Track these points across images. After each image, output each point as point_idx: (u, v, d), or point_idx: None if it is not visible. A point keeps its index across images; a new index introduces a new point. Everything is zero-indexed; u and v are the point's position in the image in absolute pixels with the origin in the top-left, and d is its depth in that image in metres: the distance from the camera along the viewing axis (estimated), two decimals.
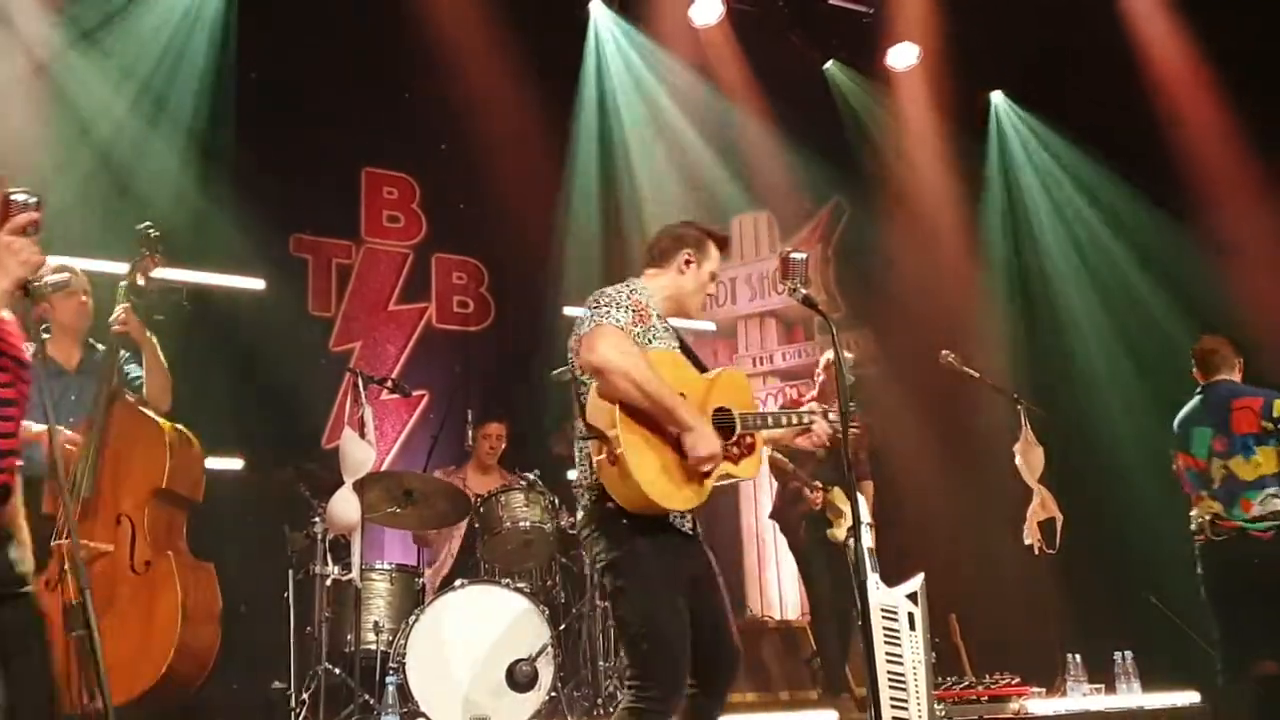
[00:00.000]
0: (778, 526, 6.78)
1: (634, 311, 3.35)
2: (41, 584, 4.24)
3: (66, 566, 4.22)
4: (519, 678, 5.08)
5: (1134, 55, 8.00)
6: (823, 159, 8.55)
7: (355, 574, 5.29)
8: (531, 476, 5.76)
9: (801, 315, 8.82)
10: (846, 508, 6.21)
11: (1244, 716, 5.10)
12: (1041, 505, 6.26)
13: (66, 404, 4.60)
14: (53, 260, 4.68)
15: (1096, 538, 7.13)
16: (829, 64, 8.81)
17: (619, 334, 3.25)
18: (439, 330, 7.98)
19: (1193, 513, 5.37)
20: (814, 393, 6.72)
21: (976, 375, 6.36)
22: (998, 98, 9.07)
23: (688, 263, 3.56)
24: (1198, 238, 7.73)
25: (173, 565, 4.36)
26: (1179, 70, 7.93)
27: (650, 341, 3.36)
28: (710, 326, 9.02)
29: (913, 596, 4.61)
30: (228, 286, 6.99)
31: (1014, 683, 5.65)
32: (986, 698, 5.49)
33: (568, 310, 7.22)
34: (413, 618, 5.18)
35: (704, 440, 3.25)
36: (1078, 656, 5.77)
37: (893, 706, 4.48)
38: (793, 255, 3.61)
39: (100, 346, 4.71)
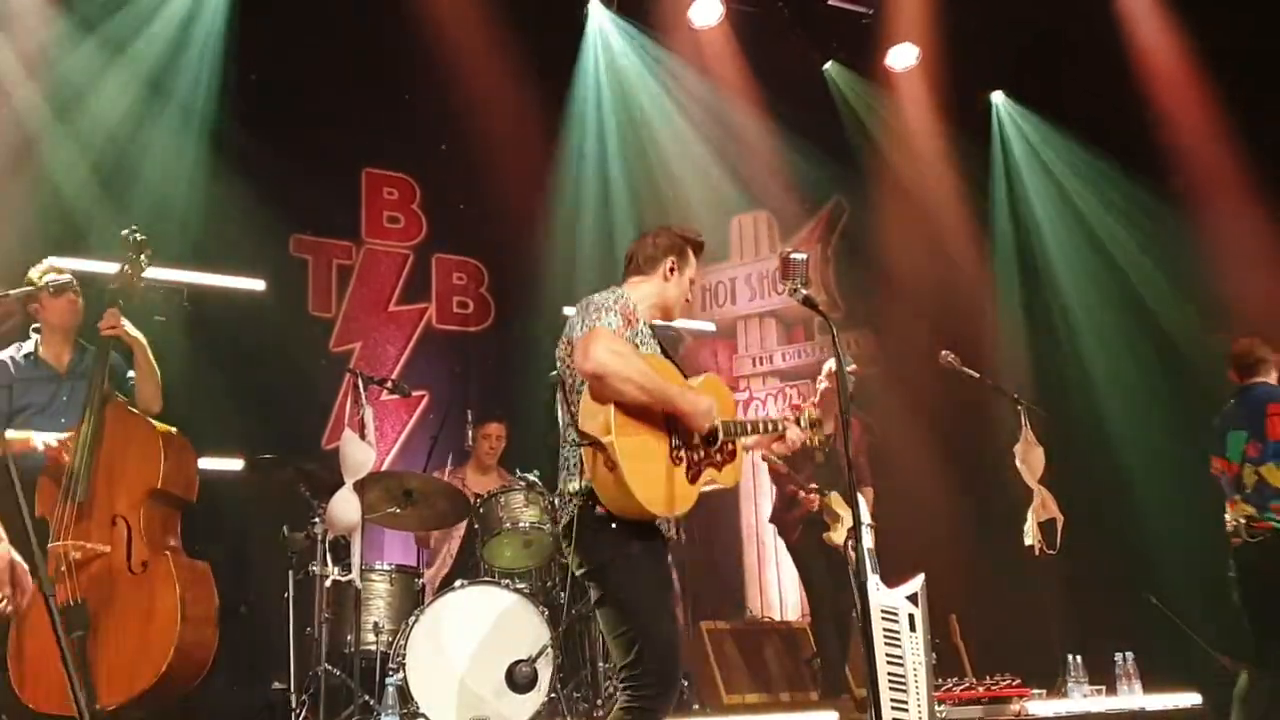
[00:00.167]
0: (776, 529, 6.80)
1: (623, 316, 3.42)
2: (35, 588, 4.26)
3: (63, 568, 4.23)
4: (518, 678, 5.07)
5: (1133, 52, 8.00)
6: (823, 159, 8.55)
7: (355, 575, 5.28)
8: (531, 477, 5.76)
9: (801, 315, 8.81)
10: (844, 511, 6.25)
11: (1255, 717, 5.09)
12: (1042, 506, 6.25)
13: (58, 405, 4.60)
14: (47, 262, 4.70)
15: (1097, 539, 7.13)
16: (828, 64, 8.81)
17: (612, 336, 3.33)
18: (439, 331, 7.98)
19: (1227, 516, 5.30)
20: (815, 399, 6.75)
21: (976, 376, 6.35)
22: (998, 98, 9.07)
23: (671, 270, 3.65)
24: (1196, 234, 7.74)
25: (170, 564, 4.37)
26: (1172, 66, 7.93)
27: (638, 346, 3.44)
28: (710, 327, 9.02)
29: (913, 598, 4.61)
30: (228, 287, 6.99)
31: (1014, 684, 5.65)
32: (987, 699, 5.49)
33: (567, 311, 7.19)
34: (412, 618, 5.17)
35: (704, 416, 3.38)
36: (1078, 657, 5.76)
37: (893, 707, 4.47)
38: (793, 255, 3.62)
39: (91, 347, 4.70)
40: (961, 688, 5.57)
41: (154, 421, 4.60)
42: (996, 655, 6.51)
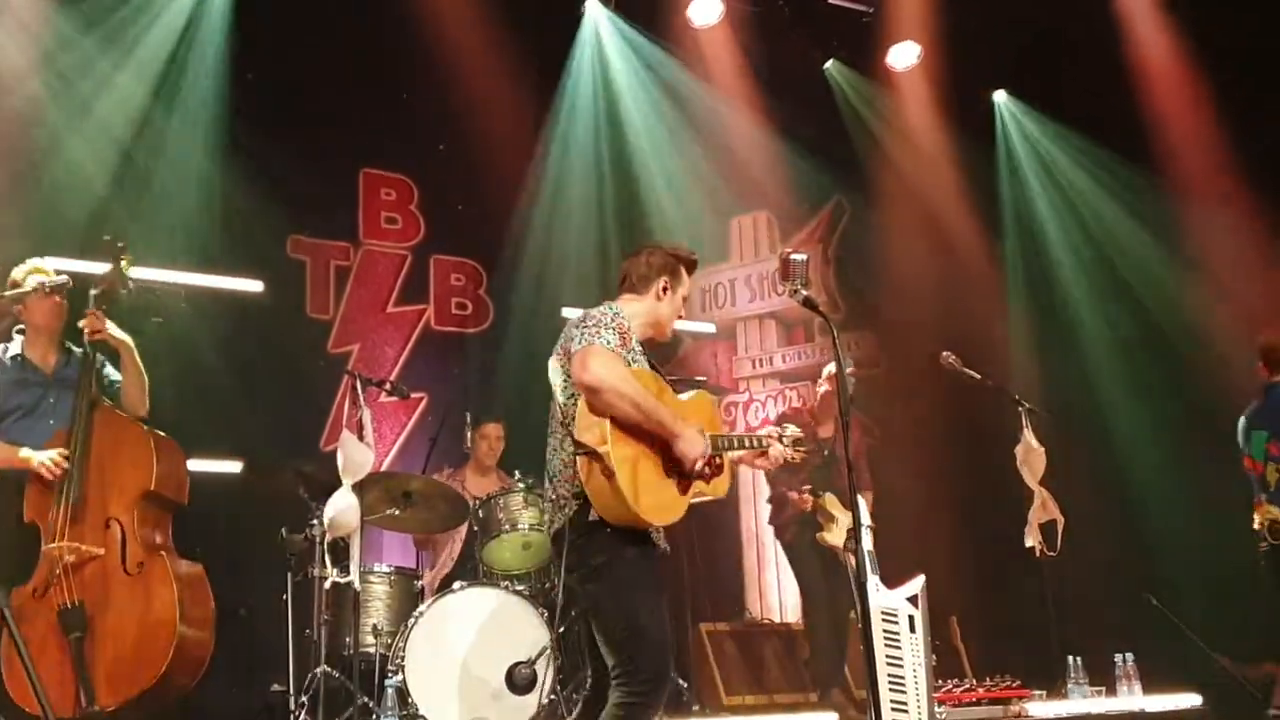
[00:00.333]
0: (774, 531, 6.83)
1: (619, 334, 3.50)
2: (29, 591, 4.26)
3: (58, 571, 4.22)
4: (518, 680, 5.07)
5: (1130, 50, 8.01)
6: (823, 159, 8.54)
7: (354, 576, 5.27)
8: (530, 479, 5.75)
9: (801, 317, 8.80)
10: (838, 512, 6.28)
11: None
12: (1042, 507, 6.24)
13: (45, 408, 4.58)
14: (31, 262, 4.68)
15: (1097, 540, 7.12)
16: (829, 63, 8.80)
17: (610, 355, 3.42)
18: (437, 332, 7.96)
19: (1255, 516, 5.25)
20: (814, 403, 6.78)
21: (977, 377, 6.34)
22: (1000, 97, 9.06)
23: (665, 289, 3.74)
24: (1196, 232, 7.75)
25: (167, 565, 4.36)
26: (1167, 64, 7.94)
27: (631, 364, 3.52)
28: (710, 328, 9.01)
29: (913, 599, 4.60)
30: (226, 288, 6.98)
31: (1014, 685, 5.64)
32: (987, 700, 5.48)
33: (566, 312, 7.21)
34: (412, 620, 5.17)
35: (694, 443, 3.48)
36: (1078, 659, 5.75)
37: (893, 709, 4.46)
38: (793, 256, 3.63)
39: (77, 350, 4.67)
40: (961, 689, 5.57)
41: (144, 425, 4.58)
42: (996, 656, 6.51)
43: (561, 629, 5.21)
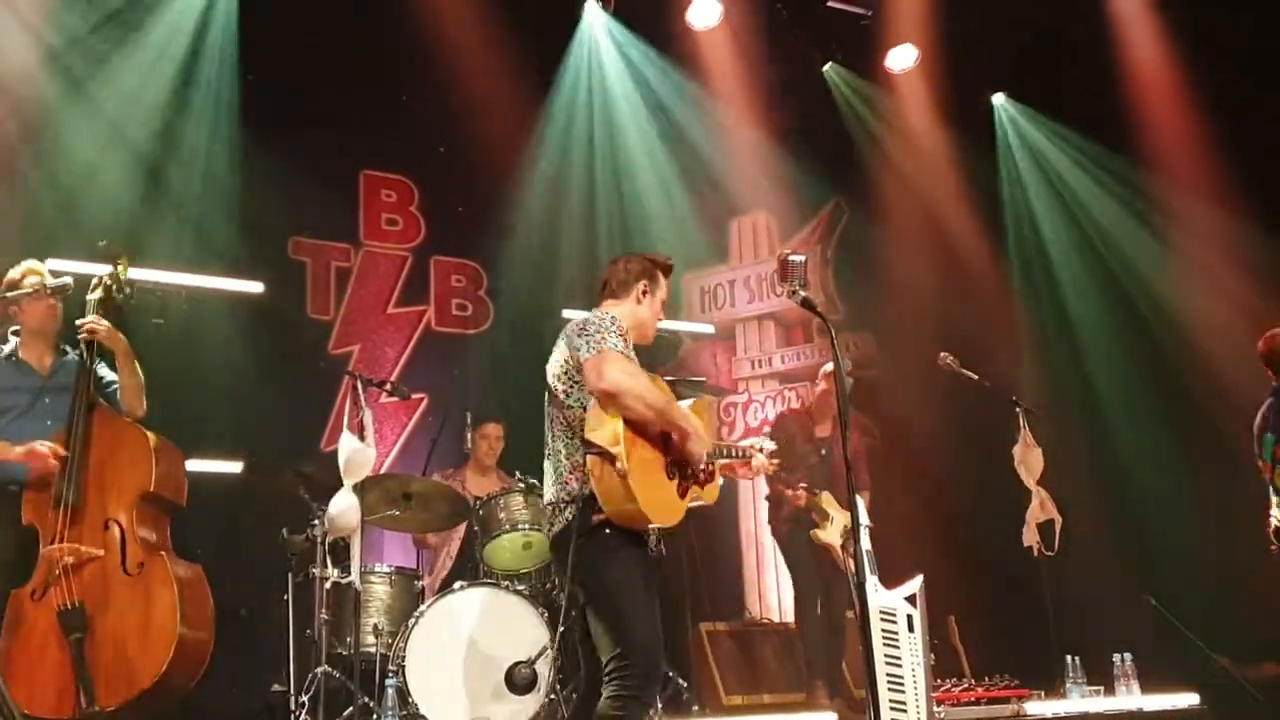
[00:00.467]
0: (771, 530, 6.87)
1: (622, 337, 3.62)
2: (28, 593, 4.26)
3: (57, 572, 4.23)
4: (518, 680, 5.08)
5: (1127, 50, 8.03)
6: (822, 161, 8.55)
7: (355, 576, 5.27)
8: (531, 479, 5.76)
9: (800, 317, 8.81)
10: (834, 511, 6.31)
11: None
12: (1040, 507, 6.26)
13: (40, 408, 4.58)
14: (26, 264, 4.68)
15: (1096, 540, 7.13)
16: (827, 66, 8.82)
17: (624, 359, 3.55)
18: (438, 333, 7.97)
19: (1272, 517, 5.25)
20: (812, 403, 6.81)
21: (974, 377, 6.36)
22: (999, 99, 9.08)
23: (644, 293, 3.90)
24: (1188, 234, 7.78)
25: (166, 566, 4.36)
26: (1158, 65, 7.96)
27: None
28: (709, 329, 9.02)
29: (911, 599, 4.61)
30: (227, 290, 6.99)
31: (1013, 685, 5.65)
32: (985, 700, 5.49)
33: (566, 313, 7.22)
34: (412, 620, 5.18)
35: (705, 443, 3.68)
36: (1077, 658, 5.76)
37: (892, 709, 4.47)
38: (792, 257, 3.65)
39: (72, 351, 4.68)
40: (960, 689, 5.58)
41: (140, 427, 4.59)
42: (995, 656, 6.52)
43: (561, 629, 5.23)
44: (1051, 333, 8.52)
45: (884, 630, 4.52)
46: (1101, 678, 5.80)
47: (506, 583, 5.44)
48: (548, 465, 3.71)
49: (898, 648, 4.53)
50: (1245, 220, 7.46)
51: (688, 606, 6.79)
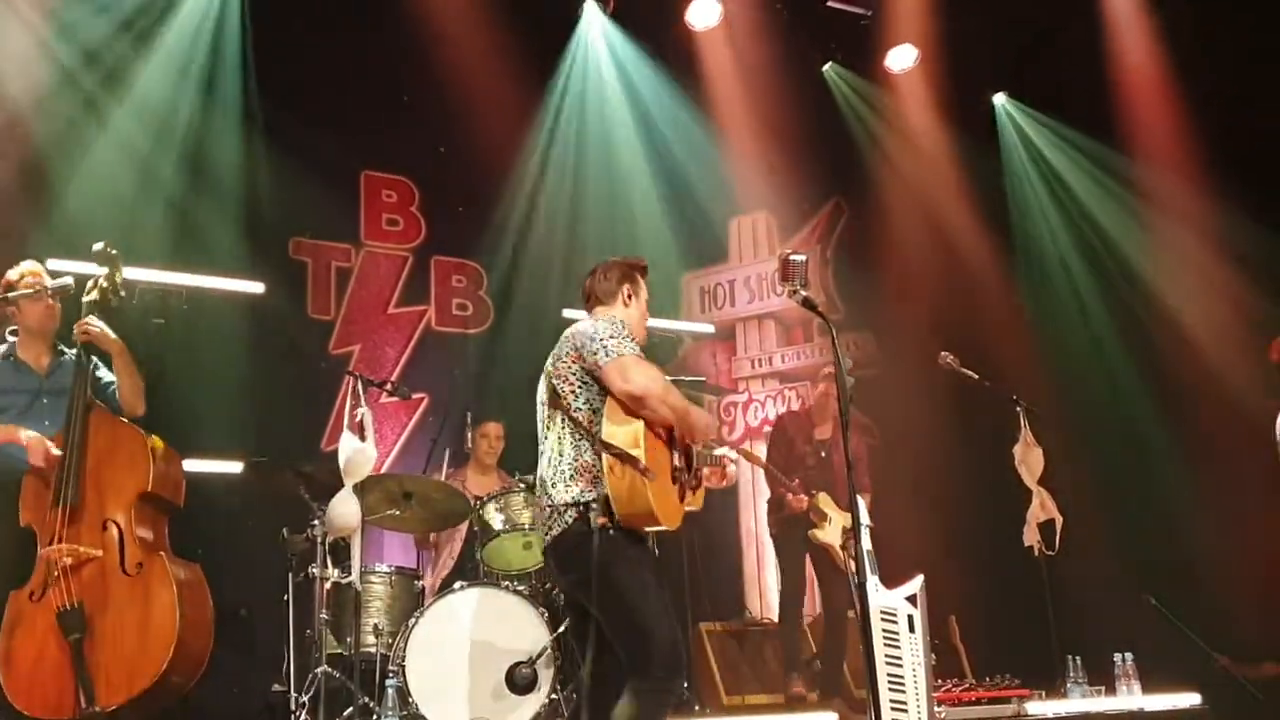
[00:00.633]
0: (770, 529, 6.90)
1: (634, 342, 3.69)
2: (27, 594, 4.27)
3: (56, 573, 4.23)
4: (518, 680, 5.08)
5: (1123, 50, 8.04)
6: (822, 160, 8.55)
7: (355, 576, 5.28)
8: (531, 479, 5.75)
9: (800, 317, 8.81)
10: (832, 511, 6.31)
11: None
12: (1041, 507, 6.26)
13: (39, 408, 4.58)
14: (25, 265, 4.68)
15: (1096, 539, 7.13)
16: (827, 66, 8.82)
17: (646, 363, 3.61)
18: (438, 333, 7.97)
19: None
20: (812, 404, 6.83)
21: (975, 377, 6.36)
22: (1000, 99, 9.08)
23: (629, 297, 3.96)
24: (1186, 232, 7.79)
25: (166, 565, 4.36)
26: (1160, 66, 7.96)
27: None
28: (709, 328, 9.02)
29: (912, 599, 4.61)
30: (227, 290, 6.99)
31: (1014, 684, 5.65)
32: (986, 700, 5.49)
33: (567, 313, 7.22)
34: (412, 620, 5.18)
35: (708, 429, 3.83)
36: (1078, 658, 5.77)
37: (893, 709, 4.47)
38: (793, 257, 3.65)
39: (70, 351, 4.68)
40: (961, 689, 5.58)
41: (138, 428, 4.59)
42: (996, 656, 6.52)
43: (561, 629, 5.23)
44: (1051, 332, 8.51)
45: (885, 630, 4.52)
46: (1102, 677, 5.80)
47: (506, 583, 5.44)
48: (547, 468, 3.69)
49: (899, 648, 4.53)
50: (1245, 221, 7.46)
51: (688, 606, 6.79)
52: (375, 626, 5.42)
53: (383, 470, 6.89)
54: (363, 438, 5.27)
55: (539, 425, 3.84)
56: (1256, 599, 6.69)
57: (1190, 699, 5.67)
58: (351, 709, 5.09)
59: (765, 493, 6.99)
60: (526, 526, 5.61)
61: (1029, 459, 6.26)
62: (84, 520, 4.34)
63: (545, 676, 5.08)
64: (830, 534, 6.32)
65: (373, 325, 7.77)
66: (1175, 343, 7.80)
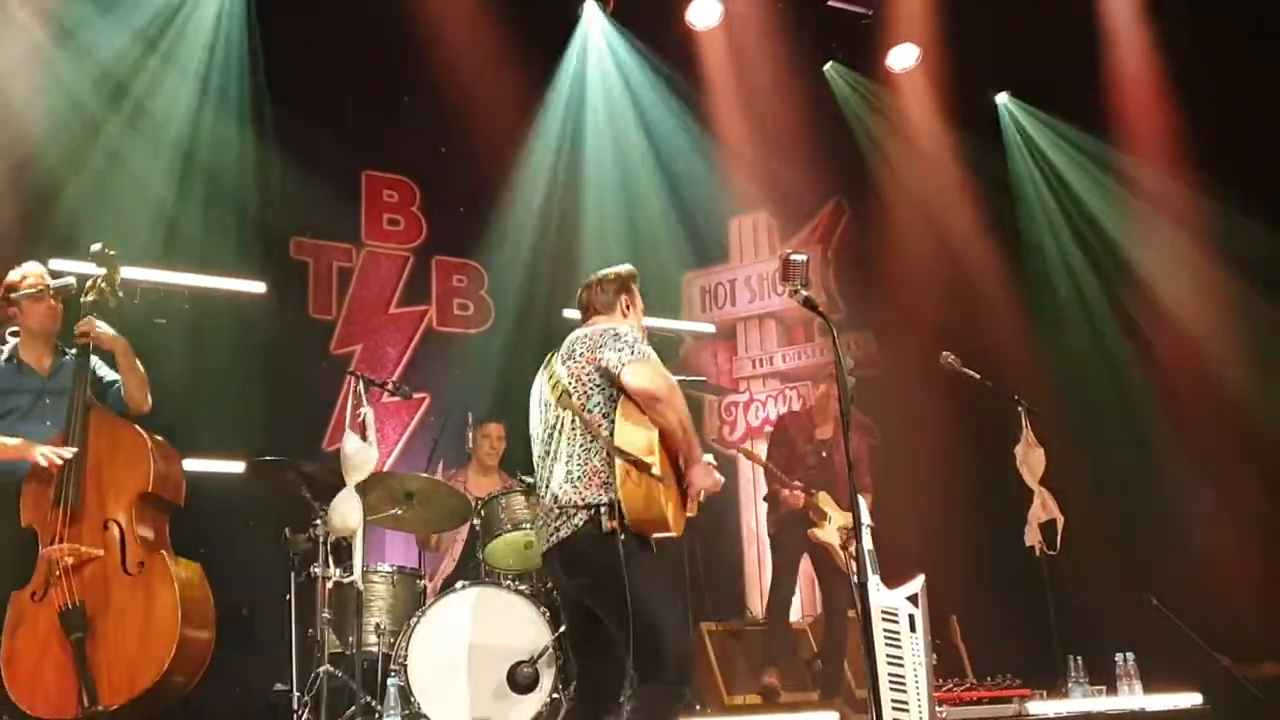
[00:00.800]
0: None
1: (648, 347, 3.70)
2: (28, 594, 4.27)
3: (58, 573, 4.24)
4: (520, 680, 5.08)
5: (1119, 51, 8.06)
6: (823, 159, 8.54)
7: (357, 576, 5.27)
8: (532, 479, 5.75)
9: (801, 317, 8.81)
10: (831, 510, 6.32)
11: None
12: (1042, 507, 6.26)
13: (41, 409, 4.59)
14: (26, 266, 4.68)
15: (1097, 539, 7.14)
16: (828, 65, 8.82)
17: (661, 366, 3.63)
18: (439, 333, 7.98)
19: None
20: (813, 403, 6.84)
21: (976, 377, 6.36)
22: (1002, 98, 9.07)
23: (627, 306, 3.97)
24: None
25: (167, 565, 4.37)
26: (1157, 66, 7.97)
27: None
28: (709, 328, 9.02)
29: (913, 598, 4.61)
30: (229, 290, 7.00)
31: (1015, 684, 5.65)
32: (987, 699, 5.49)
33: (567, 313, 7.23)
34: (414, 620, 5.18)
35: (708, 475, 3.72)
36: (1079, 658, 5.76)
37: (894, 708, 4.47)
38: (793, 257, 3.66)
39: (71, 352, 4.68)
40: (962, 688, 5.58)
41: (139, 428, 4.59)
42: (997, 656, 6.52)
43: (563, 628, 5.24)
44: (1052, 331, 8.52)
45: (886, 630, 4.52)
46: (1103, 677, 5.80)
47: (508, 582, 5.44)
48: (556, 470, 3.66)
49: (900, 647, 4.53)
50: (1245, 221, 7.47)
51: (688, 606, 6.79)
52: (377, 626, 5.42)
53: (384, 470, 6.89)
54: (364, 437, 5.28)
55: (538, 426, 3.82)
56: (1256, 599, 6.69)
57: (1191, 699, 5.67)
58: (353, 708, 5.09)
59: (764, 491, 7.00)
60: (528, 526, 5.61)
61: (1030, 459, 6.26)
62: (85, 520, 4.35)
63: (547, 675, 5.09)
64: (829, 533, 6.32)
65: (374, 325, 7.77)
66: (1176, 343, 7.81)
